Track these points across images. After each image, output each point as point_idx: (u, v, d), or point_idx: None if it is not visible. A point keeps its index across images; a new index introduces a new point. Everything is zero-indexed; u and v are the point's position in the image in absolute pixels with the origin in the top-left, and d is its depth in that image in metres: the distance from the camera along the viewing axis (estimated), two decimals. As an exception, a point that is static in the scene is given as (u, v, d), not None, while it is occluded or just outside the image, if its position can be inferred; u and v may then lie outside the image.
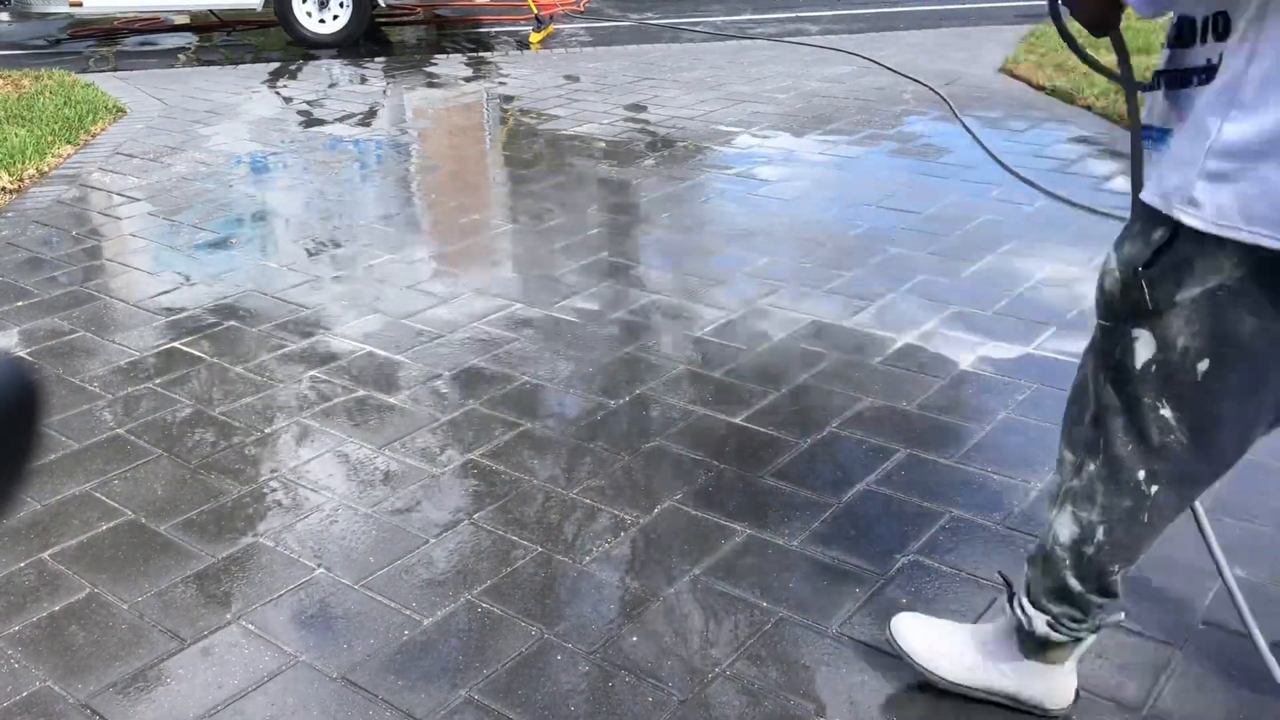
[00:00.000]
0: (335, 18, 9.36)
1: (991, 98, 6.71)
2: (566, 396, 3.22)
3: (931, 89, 6.82)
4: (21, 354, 3.56)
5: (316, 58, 8.96)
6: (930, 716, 2.02)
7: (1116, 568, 1.86)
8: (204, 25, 10.66)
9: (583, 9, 10.66)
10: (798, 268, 4.12)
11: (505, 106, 7.12)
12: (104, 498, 2.76)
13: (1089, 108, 6.35)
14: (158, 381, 3.36)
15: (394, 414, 3.13)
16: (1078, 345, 3.41)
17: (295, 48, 9.32)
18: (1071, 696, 2.02)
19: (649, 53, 8.54)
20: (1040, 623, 1.95)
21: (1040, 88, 6.90)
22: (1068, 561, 1.89)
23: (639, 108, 6.79)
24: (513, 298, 3.93)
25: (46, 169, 5.65)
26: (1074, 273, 3.96)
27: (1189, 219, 1.60)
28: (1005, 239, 4.31)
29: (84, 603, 2.38)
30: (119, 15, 10.46)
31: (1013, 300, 3.75)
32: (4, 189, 5.28)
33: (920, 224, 4.50)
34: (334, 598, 2.37)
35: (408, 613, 2.32)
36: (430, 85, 7.78)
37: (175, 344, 3.61)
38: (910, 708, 2.04)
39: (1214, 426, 1.72)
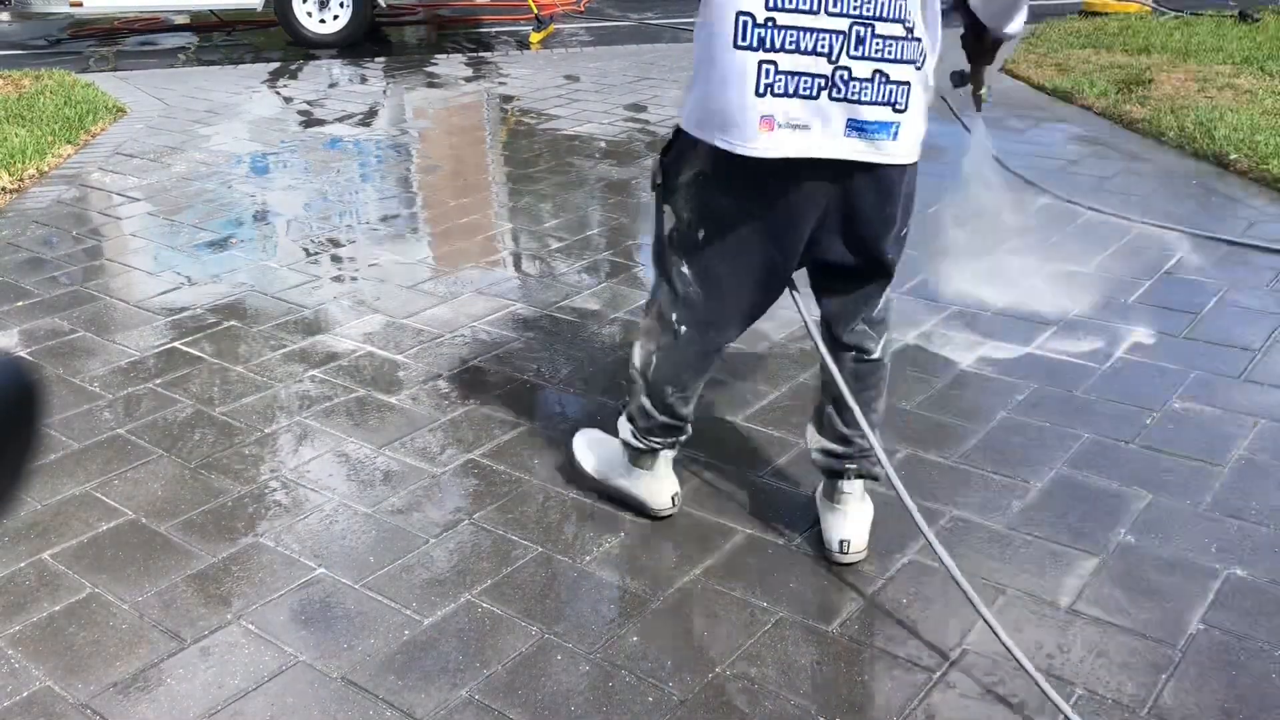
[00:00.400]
0: (335, 18, 9.36)
1: (991, 97, 6.70)
2: (566, 396, 3.22)
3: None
4: (21, 354, 3.56)
5: (316, 58, 8.96)
6: (930, 716, 2.02)
7: (670, 391, 2.41)
8: (204, 25, 10.66)
9: (583, 9, 10.67)
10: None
11: (505, 106, 7.12)
12: (104, 498, 2.76)
13: (1089, 107, 6.35)
14: (158, 381, 3.36)
15: (394, 414, 3.13)
16: (1078, 345, 3.42)
17: (295, 48, 9.32)
18: (667, 502, 2.55)
19: (649, 53, 8.55)
20: (625, 431, 2.53)
21: (1040, 87, 6.89)
22: (639, 384, 2.45)
23: (639, 108, 6.79)
24: (513, 298, 3.93)
25: (46, 169, 5.65)
26: (1074, 272, 3.96)
27: (678, 117, 2.19)
28: (1005, 238, 4.31)
29: (84, 603, 2.38)
30: (119, 15, 10.46)
31: (1013, 300, 3.75)
32: (4, 189, 5.28)
33: (920, 224, 4.49)
34: (334, 598, 2.37)
35: (408, 613, 2.32)
36: (430, 85, 7.78)
37: (175, 344, 3.61)
38: (911, 707, 2.04)
39: (716, 281, 2.26)
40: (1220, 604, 2.28)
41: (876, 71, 1.98)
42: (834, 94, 1.98)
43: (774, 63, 1.96)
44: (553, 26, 9.65)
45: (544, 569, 2.45)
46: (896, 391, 3.16)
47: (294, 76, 8.24)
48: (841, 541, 2.43)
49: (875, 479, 2.46)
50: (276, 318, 3.80)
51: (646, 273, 4.10)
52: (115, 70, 8.47)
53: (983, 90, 2.50)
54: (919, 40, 2.00)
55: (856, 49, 1.96)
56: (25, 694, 2.12)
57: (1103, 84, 6.62)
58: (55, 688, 2.14)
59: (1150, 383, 3.17)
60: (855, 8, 1.94)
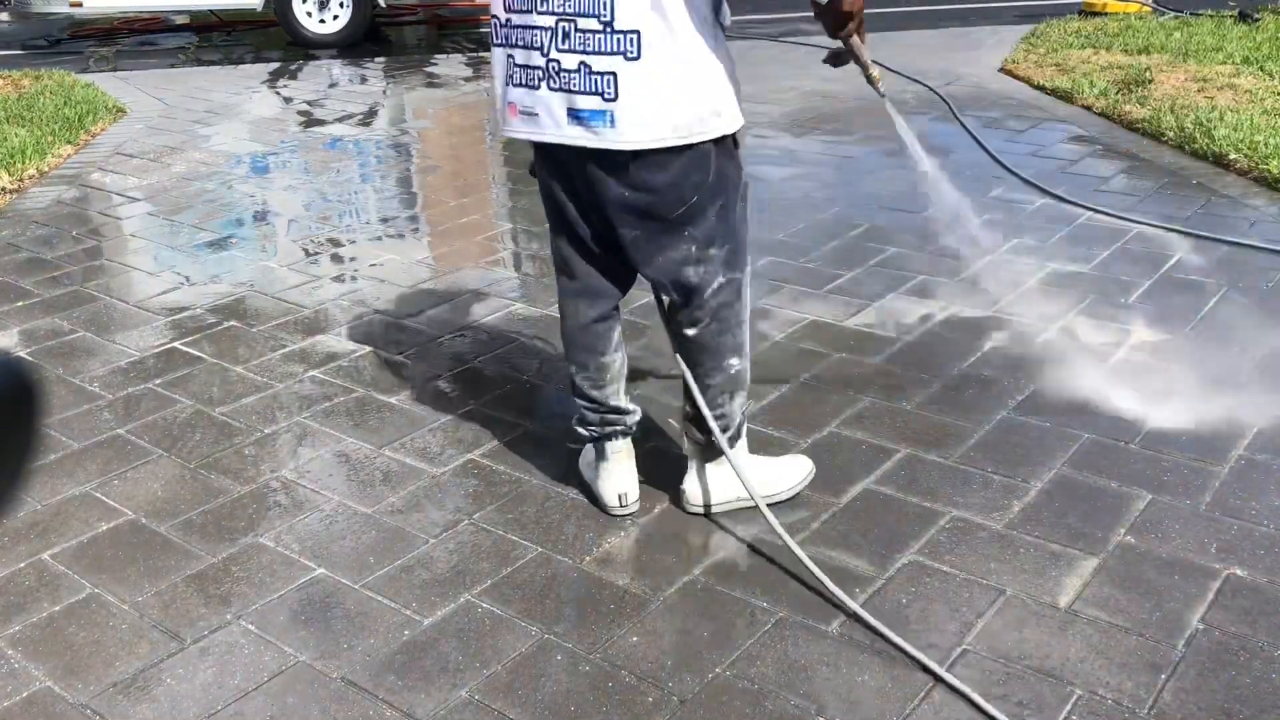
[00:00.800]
0: (335, 18, 9.37)
1: (991, 98, 6.71)
2: (566, 396, 3.21)
3: (931, 89, 6.82)
4: (21, 354, 3.56)
5: (316, 58, 8.97)
6: (930, 715, 2.02)
7: (575, 371, 2.58)
8: (204, 25, 10.66)
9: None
10: (798, 268, 4.12)
11: (505, 106, 7.11)
12: (104, 498, 2.76)
13: (1089, 107, 6.35)
14: (158, 381, 3.36)
15: (394, 414, 3.13)
16: (1078, 345, 3.41)
17: (295, 48, 9.33)
18: (614, 500, 2.60)
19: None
20: (575, 418, 2.64)
21: (1040, 88, 6.90)
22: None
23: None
24: (513, 298, 3.93)
25: (46, 169, 5.65)
26: (1074, 272, 3.96)
27: None
28: (1005, 239, 4.31)
29: (84, 603, 2.38)
30: (119, 15, 10.46)
31: (1013, 300, 3.75)
32: (4, 189, 5.28)
33: (920, 224, 4.50)
34: (334, 598, 2.37)
35: (407, 613, 2.32)
36: (430, 85, 7.78)
37: (175, 344, 3.61)
38: (911, 707, 2.04)
39: (561, 252, 2.52)
40: (1220, 604, 2.28)
41: (581, 63, 2.17)
42: (551, 84, 2.22)
43: (513, 57, 2.27)
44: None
45: (544, 569, 2.45)
46: (897, 392, 3.17)
47: (294, 76, 8.24)
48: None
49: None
50: (276, 318, 3.81)
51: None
52: (115, 70, 8.48)
53: (874, 72, 2.40)
54: (624, 33, 2.12)
55: (563, 43, 2.18)
56: (25, 694, 2.12)
57: (1103, 84, 6.62)
58: (55, 688, 2.14)
59: (1150, 383, 3.17)
60: (560, 6, 2.16)
